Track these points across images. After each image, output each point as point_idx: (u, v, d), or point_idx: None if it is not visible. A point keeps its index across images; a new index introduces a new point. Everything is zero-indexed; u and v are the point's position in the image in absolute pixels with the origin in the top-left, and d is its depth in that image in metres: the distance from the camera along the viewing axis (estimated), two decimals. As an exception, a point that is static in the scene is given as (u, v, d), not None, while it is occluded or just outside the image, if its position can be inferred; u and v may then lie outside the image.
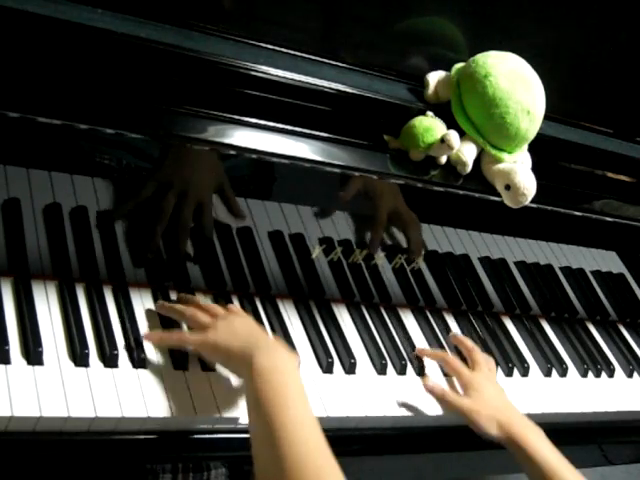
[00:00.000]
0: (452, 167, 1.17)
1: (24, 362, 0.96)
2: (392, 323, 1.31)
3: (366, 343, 1.25)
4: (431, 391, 1.18)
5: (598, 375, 1.44)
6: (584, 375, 1.43)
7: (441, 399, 1.18)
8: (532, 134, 1.18)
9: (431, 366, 1.27)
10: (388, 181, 1.17)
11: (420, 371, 1.25)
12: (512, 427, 1.12)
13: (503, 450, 1.14)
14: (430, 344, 1.31)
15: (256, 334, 1.03)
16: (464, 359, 1.28)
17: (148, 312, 1.12)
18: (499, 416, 1.14)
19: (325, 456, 0.87)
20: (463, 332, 1.38)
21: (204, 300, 1.15)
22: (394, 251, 1.29)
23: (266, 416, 0.89)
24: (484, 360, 1.26)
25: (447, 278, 1.38)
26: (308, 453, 0.86)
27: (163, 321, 1.11)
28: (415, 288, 1.35)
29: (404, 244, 1.29)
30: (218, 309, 1.09)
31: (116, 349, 1.02)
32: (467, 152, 1.15)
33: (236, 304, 1.18)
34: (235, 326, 1.04)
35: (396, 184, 1.18)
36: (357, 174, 1.13)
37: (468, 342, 1.29)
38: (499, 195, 1.17)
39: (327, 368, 1.17)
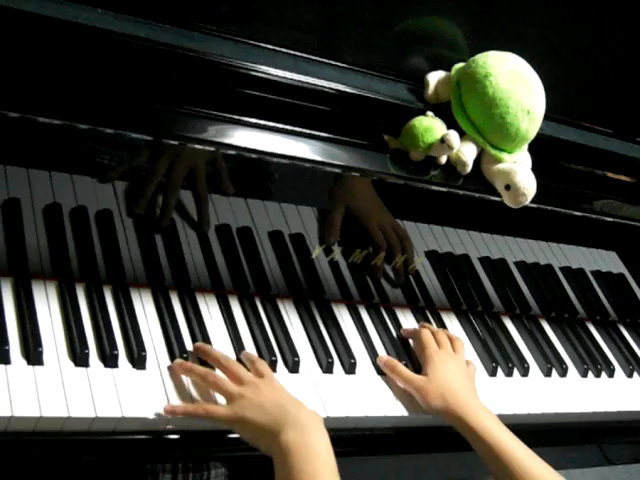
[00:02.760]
0: (452, 167, 1.17)
1: (24, 362, 0.96)
2: (392, 323, 1.31)
3: (366, 343, 1.25)
4: (384, 365, 1.20)
5: (598, 375, 1.44)
6: (584, 375, 1.43)
7: (393, 373, 1.18)
8: (532, 134, 1.18)
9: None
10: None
11: (419, 372, 1.24)
12: (458, 406, 1.12)
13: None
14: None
15: (285, 407, 0.99)
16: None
17: (148, 312, 1.12)
18: (447, 394, 1.13)
19: None
20: (463, 332, 1.38)
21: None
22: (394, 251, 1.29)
23: None
24: (447, 342, 1.26)
25: (447, 278, 1.38)
26: None
27: (163, 322, 1.11)
28: (415, 288, 1.35)
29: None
30: (244, 373, 1.04)
31: (116, 349, 1.02)
32: (467, 152, 1.15)
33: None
34: (263, 398, 0.99)
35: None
36: (357, 174, 1.13)
37: (434, 326, 1.31)
38: (499, 195, 1.17)
39: (327, 368, 1.17)
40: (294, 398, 1.03)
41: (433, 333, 1.27)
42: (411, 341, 1.29)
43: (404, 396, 1.18)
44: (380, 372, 1.21)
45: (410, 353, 1.27)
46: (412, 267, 1.32)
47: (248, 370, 1.06)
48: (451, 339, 1.28)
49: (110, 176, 1.06)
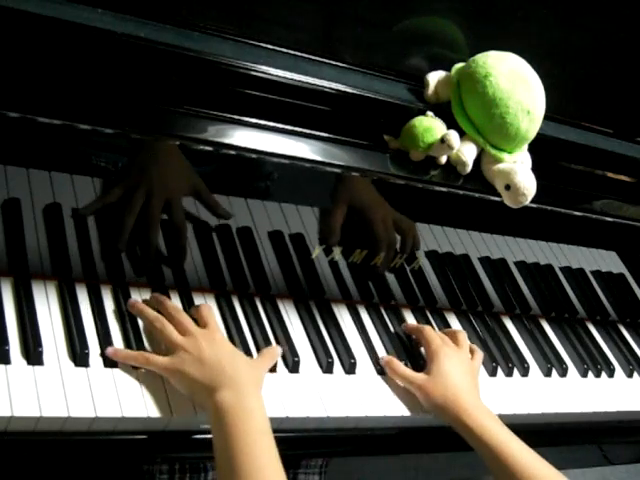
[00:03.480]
0: (452, 167, 1.17)
1: (24, 362, 0.96)
2: (392, 323, 1.31)
3: (366, 343, 1.25)
4: (386, 365, 1.20)
5: (598, 375, 1.44)
6: (584, 375, 1.43)
7: (395, 373, 1.19)
8: (532, 134, 1.18)
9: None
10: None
11: (420, 371, 1.24)
12: (457, 403, 1.12)
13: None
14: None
15: (223, 365, 0.99)
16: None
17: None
18: (448, 394, 1.13)
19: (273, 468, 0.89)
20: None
21: (201, 300, 1.15)
22: (394, 251, 1.29)
23: (228, 454, 0.91)
24: (449, 335, 1.27)
25: (447, 278, 1.38)
26: (256, 469, 0.89)
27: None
28: (415, 288, 1.35)
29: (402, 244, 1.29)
30: (189, 325, 1.05)
31: (116, 349, 1.02)
32: (467, 152, 1.15)
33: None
34: (203, 354, 1.00)
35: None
36: (354, 174, 1.13)
37: (428, 328, 1.27)
38: (499, 195, 1.17)
39: (327, 368, 1.17)
40: (234, 354, 1.03)
41: (437, 330, 1.28)
42: (414, 337, 1.29)
43: (404, 396, 1.18)
44: (380, 372, 1.21)
45: (410, 353, 1.27)
46: (415, 263, 1.32)
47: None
48: (454, 332, 1.28)
49: (84, 212, 1.07)
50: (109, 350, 1.01)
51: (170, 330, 1.04)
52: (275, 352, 1.12)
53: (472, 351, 1.27)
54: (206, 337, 1.04)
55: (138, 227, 1.09)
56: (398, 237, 1.28)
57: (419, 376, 1.17)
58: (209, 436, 1.03)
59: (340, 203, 1.20)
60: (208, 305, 1.12)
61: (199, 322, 1.08)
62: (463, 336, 1.27)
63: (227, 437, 0.92)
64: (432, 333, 1.25)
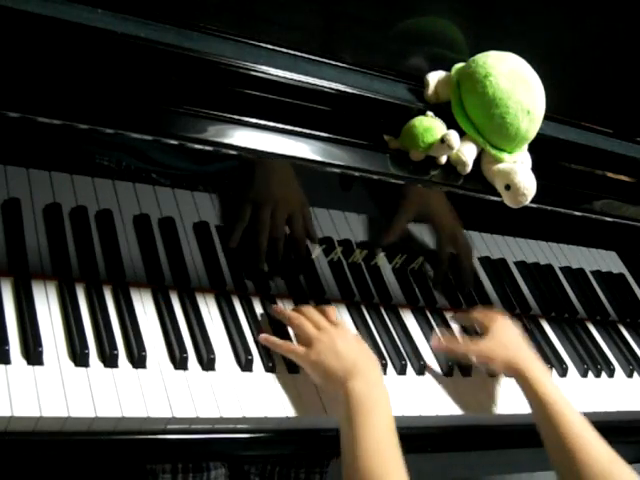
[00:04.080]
0: (452, 167, 1.17)
1: (24, 362, 0.96)
2: (392, 323, 1.31)
3: (366, 343, 1.25)
4: (438, 348, 1.25)
5: (598, 375, 1.44)
6: (584, 375, 1.43)
7: (453, 351, 1.24)
8: (532, 134, 1.18)
9: (431, 366, 1.27)
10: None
11: (420, 371, 1.24)
12: (519, 363, 1.18)
13: (503, 450, 1.14)
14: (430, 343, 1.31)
15: (357, 356, 1.09)
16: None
17: (148, 312, 1.12)
18: (509, 353, 1.20)
19: (396, 470, 0.97)
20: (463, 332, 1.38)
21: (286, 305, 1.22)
22: (394, 251, 1.29)
23: (355, 440, 0.99)
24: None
25: (447, 278, 1.38)
26: (379, 464, 0.96)
27: (163, 322, 1.11)
28: (415, 288, 1.35)
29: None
30: (324, 322, 1.15)
31: (116, 349, 1.02)
32: (467, 152, 1.15)
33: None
34: (338, 346, 1.09)
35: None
36: (357, 174, 1.13)
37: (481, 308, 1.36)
38: (499, 195, 1.17)
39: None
40: (362, 349, 1.13)
41: (486, 309, 1.34)
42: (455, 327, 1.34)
43: (404, 396, 1.18)
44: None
45: (410, 352, 1.26)
46: (415, 263, 1.33)
47: None
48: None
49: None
50: (261, 336, 1.13)
51: (307, 325, 1.13)
52: None
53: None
54: (339, 332, 1.14)
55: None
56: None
57: (479, 342, 1.23)
58: (210, 436, 1.03)
59: (408, 213, 1.25)
60: (333, 307, 1.22)
61: (329, 321, 1.17)
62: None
63: (356, 422, 1.00)
64: (481, 312, 1.32)
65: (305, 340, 1.12)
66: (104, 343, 1.03)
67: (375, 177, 1.14)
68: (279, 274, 1.22)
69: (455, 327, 1.37)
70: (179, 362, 1.06)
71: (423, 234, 1.30)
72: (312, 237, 1.21)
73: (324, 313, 1.18)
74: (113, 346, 1.02)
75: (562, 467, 1.08)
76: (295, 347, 1.12)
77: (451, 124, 1.15)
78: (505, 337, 1.24)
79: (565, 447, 1.07)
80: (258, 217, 1.15)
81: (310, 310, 1.18)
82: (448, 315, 1.38)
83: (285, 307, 1.23)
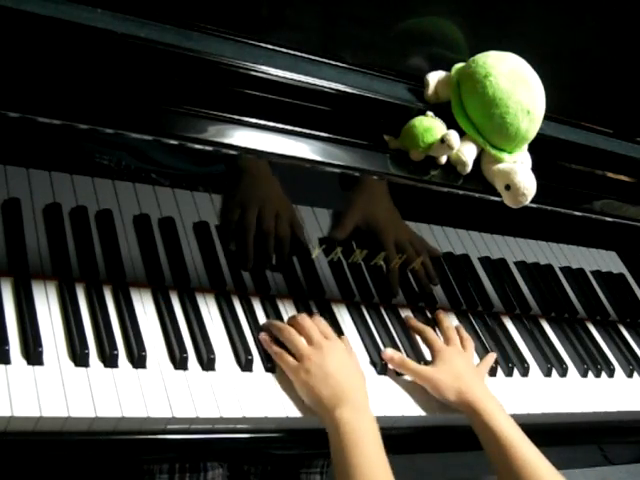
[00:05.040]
0: (452, 167, 1.17)
1: (24, 362, 0.96)
2: (392, 323, 1.31)
3: (366, 343, 1.25)
4: (390, 360, 1.21)
5: (598, 375, 1.44)
6: (584, 375, 1.43)
7: (401, 366, 1.20)
8: (532, 134, 1.18)
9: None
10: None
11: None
12: (471, 396, 1.14)
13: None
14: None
15: (344, 380, 1.08)
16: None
17: (148, 312, 1.12)
18: (460, 385, 1.16)
19: None
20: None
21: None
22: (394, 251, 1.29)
23: (346, 468, 0.99)
24: (457, 338, 1.29)
25: (447, 278, 1.38)
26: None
27: (163, 322, 1.11)
28: (415, 288, 1.35)
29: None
30: (316, 336, 1.13)
31: (116, 349, 1.02)
32: (467, 152, 1.15)
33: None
34: (327, 367, 1.08)
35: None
36: (357, 174, 1.13)
37: (446, 321, 1.32)
38: (499, 195, 1.17)
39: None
40: (351, 368, 1.12)
41: (444, 329, 1.30)
42: (418, 338, 1.30)
43: (404, 396, 1.18)
44: (381, 372, 1.21)
45: (410, 352, 1.26)
46: (415, 263, 1.32)
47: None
48: (462, 338, 1.30)
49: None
50: (262, 336, 1.14)
51: (298, 339, 1.12)
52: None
53: (463, 343, 1.29)
54: (329, 348, 1.12)
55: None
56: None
57: (427, 369, 1.20)
58: (209, 436, 1.03)
59: (357, 208, 1.22)
60: (325, 323, 1.20)
61: (324, 333, 1.15)
62: (470, 344, 1.30)
63: (346, 453, 0.99)
64: (433, 335, 1.28)
65: (296, 355, 1.11)
66: (104, 343, 1.03)
67: (375, 177, 1.14)
68: (279, 273, 1.22)
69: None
70: (179, 362, 1.06)
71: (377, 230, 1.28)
72: (302, 235, 1.20)
73: (318, 325, 1.17)
74: (113, 346, 1.02)
75: None
76: (288, 359, 1.10)
77: (451, 124, 1.15)
78: (456, 367, 1.20)
79: None
80: (245, 216, 1.15)
81: (304, 320, 1.16)
82: (448, 315, 1.38)
83: (285, 307, 1.23)
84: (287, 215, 1.17)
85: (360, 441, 1.00)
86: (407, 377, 1.22)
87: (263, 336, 1.15)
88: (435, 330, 1.32)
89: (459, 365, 1.21)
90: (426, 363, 1.24)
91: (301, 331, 1.14)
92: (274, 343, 1.14)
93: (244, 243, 1.17)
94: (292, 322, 1.17)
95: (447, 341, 1.28)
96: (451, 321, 1.36)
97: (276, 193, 1.15)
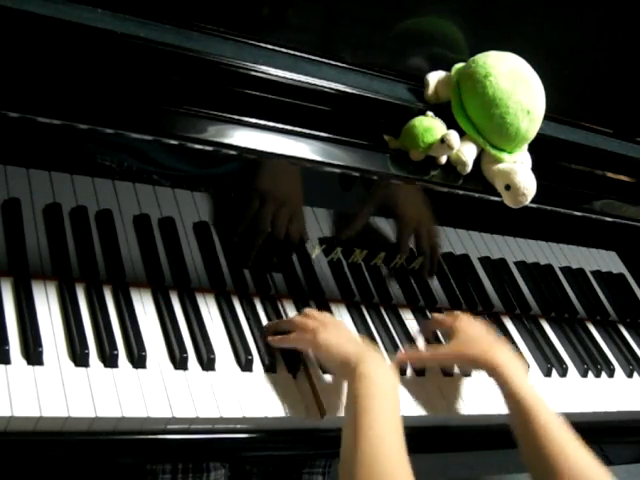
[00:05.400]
0: (452, 167, 1.17)
1: (24, 362, 0.96)
2: (392, 323, 1.31)
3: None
4: (405, 360, 1.21)
5: (598, 375, 1.44)
6: (584, 375, 1.43)
7: (420, 361, 1.22)
8: (532, 134, 1.18)
9: (431, 366, 1.27)
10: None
11: (420, 372, 1.24)
12: (491, 355, 1.14)
13: (502, 450, 1.14)
14: (430, 344, 1.30)
15: (359, 344, 1.11)
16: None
17: (148, 312, 1.12)
18: (483, 348, 1.16)
19: (400, 463, 0.92)
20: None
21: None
22: (394, 251, 1.29)
23: (357, 422, 0.96)
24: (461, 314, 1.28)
25: (447, 278, 1.38)
26: (384, 454, 0.92)
27: (163, 322, 1.11)
28: (415, 288, 1.35)
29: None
30: (320, 316, 1.15)
31: (116, 349, 1.02)
32: (467, 152, 1.15)
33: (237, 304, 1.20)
34: (340, 332, 1.12)
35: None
36: (357, 174, 1.13)
37: (434, 314, 1.33)
38: (499, 195, 1.17)
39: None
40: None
41: (447, 314, 1.31)
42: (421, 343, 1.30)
43: (404, 396, 1.18)
44: (380, 372, 1.21)
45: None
46: (415, 263, 1.32)
47: None
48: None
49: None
50: (270, 339, 1.14)
51: (309, 321, 1.13)
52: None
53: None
54: (337, 321, 1.17)
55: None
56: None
57: (447, 347, 1.21)
58: (209, 436, 1.03)
59: (370, 208, 1.23)
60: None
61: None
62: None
63: (362, 401, 0.98)
64: (440, 316, 1.30)
65: (309, 333, 1.11)
66: (104, 343, 1.03)
67: (375, 177, 1.14)
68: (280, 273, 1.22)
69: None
70: (179, 362, 1.06)
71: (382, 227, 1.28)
72: (303, 234, 1.20)
73: (314, 311, 1.18)
74: (113, 346, 1.02)
75: (538, 469, 1.03)
76: (301, 336, 1.12)
77: (451, 124, 1.15)
78: (474, 332, 1.21)
79: (542, 450, 1.03)
80: (245, 214, 1.15)
81: (303, 314, 1.17)
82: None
83: (285, 307, 1.23)
84: (297, 216, 1.18)
85: (381, 387, 1.00)
86: (407, 377, 1.22)
87: (271, 338, 1.14)
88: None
89: (476, 331, 1.21)
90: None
91: (304, 316, 1.16)
92: (284, 336, 1.14)
93: (251, 242, 1.17)
94: (292, 320, 1.17)
95: (454, 319, 1.26)
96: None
97: (288, 193, 1.16)
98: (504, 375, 1.11)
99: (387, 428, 0.96)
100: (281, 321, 1.19)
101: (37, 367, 0.96)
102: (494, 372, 1.13)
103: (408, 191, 1.21)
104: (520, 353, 1.38)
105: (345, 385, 1.06)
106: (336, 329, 1.12)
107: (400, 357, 1.21)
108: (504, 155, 1.17)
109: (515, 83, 1.14)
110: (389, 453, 0.93)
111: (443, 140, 1.12)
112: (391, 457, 0.92)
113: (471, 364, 1.19)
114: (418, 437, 1.20)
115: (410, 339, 1.29)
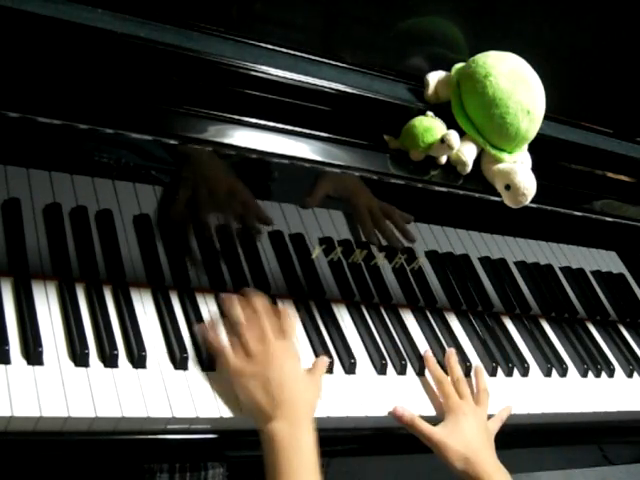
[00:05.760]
0: (452, 167, 1.17)
1: (24, 362, 0.96)
2: (392, 323, 1.31)
3: (366, 343, 1.25)
4: (400, 418, 1.14)
5: (598, 375, 1.44)
6: (584, 375, 1.43)
7: (410, 426, 1.14)
8: (532, 134, 1.18)
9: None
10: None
11: (420, 371, 1.24)
12: (478, 467, 1.10)
13: (503, 450, 1.14)
14: (430, 344, 1.31)
15: (284, 393, 1.02)
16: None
17: (148, 312, 1.12)
18: (469, 453, 1.11)
19: None
20: (463, 332, 1.38)
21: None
22: (394, 251, 1.29)
23: None
24: (469, 393, 1.21)
25: (447, 278, 1.38)
26: None
27: (163, 322, 1.11)
28: (415, 288, 1.35)
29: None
30: (269, 332, 1.07)
31: (116, 349, 1.02)
32: (467, 152, 1.15)
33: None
34: (271, 373, 1.03)
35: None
36: (357, 174, 1.13)
37: (457, 370, 1.24)
38: (499, 195, 1.17)
39: (327, 368, 1.17)
40: (297, 376, 1.06)
41: (455, 381, 1.22)
42: (433, 383, 1.24)
43: (404, 396, 1.18)
44: (380, 372, 1.21)
45: (410, 352, 1.26)
46: (415, 263, 1.32)
47: None
48: (478, 389, 1.24)
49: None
50: (199, 325, 1.08)
51: (249, 335, 1.06)
52: (325, 362, 1.14)
53: (478, 396, 1.23)
54: (278, 352, 1.06)
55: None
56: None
57: (437, 432, 1.13)
58: (209, 436, 1.03)
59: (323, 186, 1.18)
60: (291, 313, 1.15)
61: (278, 329, 1.10)
62: (485, 396, 1.22)
63: (277, 469, 0.96)
64: (450, 388, 1.20)
65: (245, 351, 1.05)
66: (104, 343, 1.03)
67: (375, 177, 1.14)
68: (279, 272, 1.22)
69: (453, 327, 1.36)
70: (179, 362, 1.06)
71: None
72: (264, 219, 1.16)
73: (277, 314, 1.12)
74: (113, 346, 1.02)
75: None
76: (230, 355, 1.05)
77: (451, 124, 1.15)
78: (467, 431, 1.14)
79: None
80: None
81: (261, 311, 1.10)
82: (446, 315, 1.38)
83: (285, 307, 1.23)
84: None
85: (295, 458, 0.96)
86: (406, 378, 1.22)
87: (204, 327, 1.08)
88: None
89: (470, 429, 1.15)
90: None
91: (256, 321, 1.08)
92: (212, 331, 1.08)
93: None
94: (248, 304, 1.11)
95: (460, 395, 1.20)
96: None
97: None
98: None
99: None
100: (232, 306, 1.10)
101: (37, 367, 0.96)
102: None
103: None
104: (520, 353, 1.38)
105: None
106: (269, 365, 1.03)
107: (396, 413, 1.14)
108: (504, 155, 1.17)
109: (515, 83, 1.14)
110: None
111: (443, 140, 1.12)
112: None
113: (452, 461, 1.11)
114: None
115: (410, 339, 1.29)
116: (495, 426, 1.20)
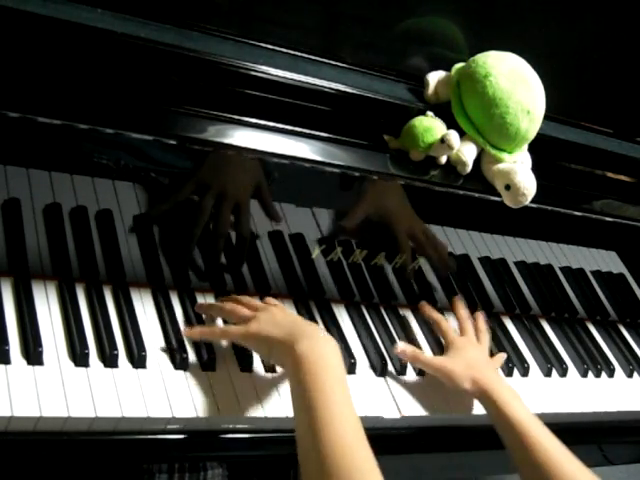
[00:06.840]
0: (452, 167, 1.17)
1: (24, 362, 0.96)
2: (392, 323, 1.31)
3: (366, 343, 1.25)
4: (403, 353, 1.19)
5: (598, 375, 1.44)
6: (584, 375, 1.43)
7: (414, 359, 1.19)
8: (532, 134, 1.18)
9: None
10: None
11: (420, 371, 1.24)
12: (485, 383, 1.13)
13: (502, 450, 1.14)
14: (430, 344, 1.31)
15: (298, 323, 1.05)
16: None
17: (148, 312, 1.12)
18: (474, 373, 1.15)
19: (362, 446, 0.88)
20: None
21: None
22: (394, 251, 1.29)
23: (306, 404, 0.92)
24: (472, 330, 1.27)
25: (447, 278, 1.38)
26: (345, 443, 0.87)
27: (163, 322, 1.11)
28: (415, 288, 1.35)
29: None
30: (257, 302, 1.11)
31: (116, 349, 1.02)
32: (467, 152, 1.15)
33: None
34: (277, 317, 1.05)
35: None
36: (357, 174, 1.13)
37: (463, 311, 1.31)
38: (499, 195, 1.17)
39: (327, 368, 1.17)
40: (299, 317, 1.11)
41: (459, 318, 1.29)
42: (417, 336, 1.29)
43: (404, 396, 1.18)
44: (380, 373, 1.21)
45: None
46: (415, 263, 1.32)
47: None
48: (478, 329, 1.28)
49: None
50: (186, 330, 1.08)
51: (241, 308, 1.08)
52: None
53: (478, 335, 1.28)
54: (275, 307, 1.09)
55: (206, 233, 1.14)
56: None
57: (440, 359, 1.19)
58: (209, 436, 1.03)
59: (366, 204, 1.21)
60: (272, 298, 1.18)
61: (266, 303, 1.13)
62: (486, 337, 1.28)
63: (307, 386, 0.93)
64: (447, 325, 1.27)
65: (241, 322, 1.06)
66: (104, 343, 1.03)
67: (375, 177, 1.14)
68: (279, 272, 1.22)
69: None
70: (179, 362, 1.06)
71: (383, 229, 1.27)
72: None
73: (263, 301, 1.15)
74: (113, 346, 1.02)
75: None
76: (229, 328, 1.07)
77: (451, 124, 1.15)
78: (469, 356, 1.19)
79: (542, 475, 1.03)
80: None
81: (240, 297, 1.13)
82: (446, 315, 1.38)
83: (284, 307, 1.23)
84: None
85: (322, 372, 0.94)
86: (406, 378, 1.22)
87: (188, 331, 1.08)
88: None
89: (472, 354, 1.20)
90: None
91: (239, 303, 1.10)
92: (203, 327, 1.10)
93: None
94: (227, 300, 1.13)
95: (462, 332, 1.27)
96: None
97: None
98: (498, 402, 1.10)
99: (344, 411, 0.92)
100: (212, 306, 1.13)
101: (37, 367, 0.96)
102: (486, 397, 1.13)
103: (397, 189, 1.20)
104: (520, 353, 1.38)
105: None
106: (271, 314, 1.05)
107: (398, 349, 1.19)
108: (504, 155, 1.17)
109: (515, 83, 1.14)
110: (353, 454, 0.87)
111: (443, 140, 1.12)
112: (356, 460, 0.86)
113: (461, 386, 1.15)
114: (418, 437, 1.20)
115: (410, 339, 1.29)
116: (497, 363, 1.26)
